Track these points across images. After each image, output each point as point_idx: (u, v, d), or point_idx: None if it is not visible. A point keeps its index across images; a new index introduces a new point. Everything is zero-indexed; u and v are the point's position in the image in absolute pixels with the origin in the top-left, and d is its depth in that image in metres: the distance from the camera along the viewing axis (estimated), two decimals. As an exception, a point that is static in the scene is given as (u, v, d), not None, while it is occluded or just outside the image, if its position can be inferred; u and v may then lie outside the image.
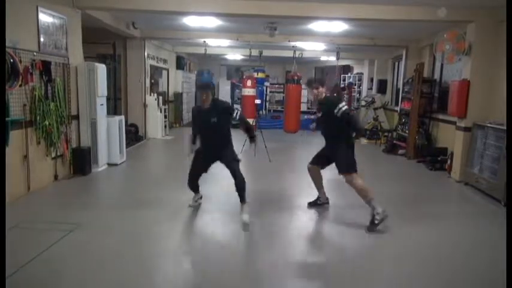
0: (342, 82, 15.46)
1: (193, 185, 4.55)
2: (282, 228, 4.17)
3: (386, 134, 10.17)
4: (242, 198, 4.13)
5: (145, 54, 9.60)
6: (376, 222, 3.96)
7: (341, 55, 11.60)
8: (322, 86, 4.37)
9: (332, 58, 12.91)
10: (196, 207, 4.61)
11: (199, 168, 4.41)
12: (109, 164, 6.59)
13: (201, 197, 4.71)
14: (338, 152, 4.20)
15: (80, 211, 4.41)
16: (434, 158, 7.21)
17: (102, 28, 7.52)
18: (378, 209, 3.97)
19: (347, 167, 4.15)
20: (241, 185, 4.10)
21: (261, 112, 13.14)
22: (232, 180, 4.14)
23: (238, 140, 9.06)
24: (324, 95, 4.36)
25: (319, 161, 4.51)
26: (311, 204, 4.75)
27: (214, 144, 4.22)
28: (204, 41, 10.47)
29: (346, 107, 4.13)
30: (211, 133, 4.17)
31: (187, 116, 13.67)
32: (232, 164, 4.17)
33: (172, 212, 4.49)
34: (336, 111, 4.06)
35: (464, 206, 5.42)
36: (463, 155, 6.22)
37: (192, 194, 4.62)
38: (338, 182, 5.48)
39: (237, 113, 4.23)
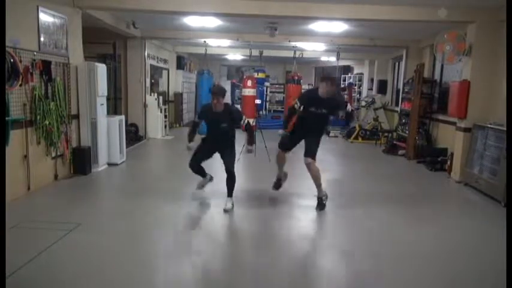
0: (342, 82, 15.49)
1: (197, 168, 4.74)
2: (280, 227, 4.18)
3: (386, 134, 10.18)
4: (230, 193, 4.57)
5: (146, 54, 9.60)
6: (324, 203, 4.65)
7: (341, 55, 11.60)
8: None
9: (332, 58, 12.91)
10: (202, 201, 4.78)
11: (203, 151, 4.67)
12: (109, 164, 6.59)
13: (211, 178, 5.01)
14: (316, 140, 4.69)
15: (79, 211, 4.41)
16: (434, 158, 7.20)
17: (102, 28, 7.52)
18: (324, 192, 4.66)
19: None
20: (232, 182, 4.55)
21: (261, 112, 13.12)
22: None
23: (240, 140, 8.99)
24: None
25: (292, 147, 4.90)
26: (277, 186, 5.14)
27: (219, 144, 4.61)
28: (205, 41, 10.47)
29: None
30: (219, 134, 4.55)
31: (187, 116, 13.66)
32: (229, 164, 4.54)
33: (173, 213, 4.49)
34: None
35: (464, 207, 5.43)
36: (463, 155, 6.21)
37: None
38: (337, 182, 5.49)
39: (244, 121, 4.58)
